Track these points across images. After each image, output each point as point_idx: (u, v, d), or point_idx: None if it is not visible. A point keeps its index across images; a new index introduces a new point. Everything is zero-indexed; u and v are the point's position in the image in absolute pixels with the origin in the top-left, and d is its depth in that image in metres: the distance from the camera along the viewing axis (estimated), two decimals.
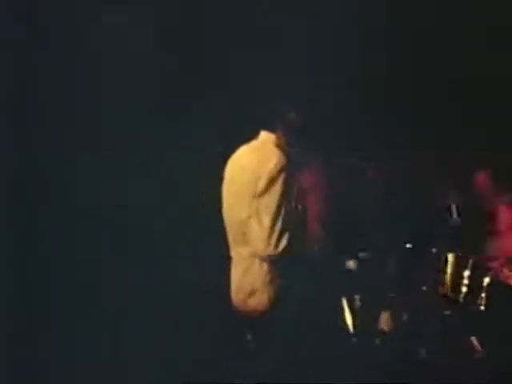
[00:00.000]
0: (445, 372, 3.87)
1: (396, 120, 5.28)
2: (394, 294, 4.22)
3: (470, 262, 4.20)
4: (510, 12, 4.89)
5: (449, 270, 4.27)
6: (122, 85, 4.72)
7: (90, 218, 4.73)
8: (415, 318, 4.16)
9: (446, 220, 4.72)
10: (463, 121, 5.24)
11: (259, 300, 3.42)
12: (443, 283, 4.26)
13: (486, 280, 4.14)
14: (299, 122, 3.51)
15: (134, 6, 4.73)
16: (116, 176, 4.73)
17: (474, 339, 4.03)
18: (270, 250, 3.31)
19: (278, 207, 3.32)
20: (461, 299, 4.17)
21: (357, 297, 4.08)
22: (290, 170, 3.39)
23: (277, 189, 3.32)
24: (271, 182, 3.32)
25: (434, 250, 4.35)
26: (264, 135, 3.56)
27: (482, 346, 3.99)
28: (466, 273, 4.19)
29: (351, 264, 4.25)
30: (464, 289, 4.18)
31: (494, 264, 4.34)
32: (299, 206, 3.54)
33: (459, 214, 4.61)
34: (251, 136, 3.70)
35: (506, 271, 4.39)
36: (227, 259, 3.67)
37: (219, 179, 3.71)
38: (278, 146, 3.49)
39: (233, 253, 3.59)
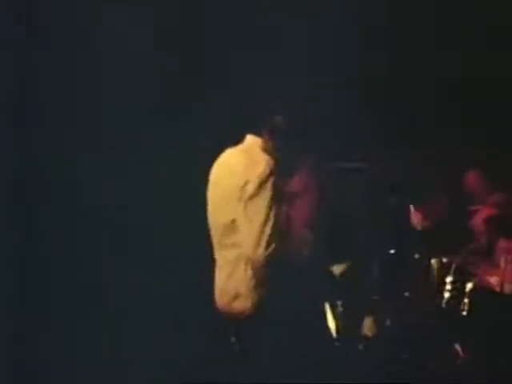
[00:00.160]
0: (427, 377, 3.89)
1: (377, 122, 5.30)
2: (378, 299, 4.24)
3: (453, 267, 4.23)
4: (510, 12, 4.89)
5: (431, 275, 4.30)
6: (121, 85, 4.72)
7: (90, 218, 4.74)
8: (398, 323, 4.18)
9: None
10: (451, 121, 5.25)
11: (243, 304, 3.43)
12: (426, 289, 4.29)
13: (469, 286, 4.16)
14: (286, 126, 3.52)
15: (134, 6, 4.73)
16: (116, 176, 4.73)
17: (456, 345, 4.05)
18: (260, 253, 3.32)
19: (268, 211, 3.33)
20: (443, 305, 4.19)
21: (339, 302, 4.10)
22: (278, 173, 3.40)
23: (267, 192, 3.33)
24: (260, 185, 3.32)
25: (416, 255, 4.37)
26: (250, 139, 3.57)
27: (464, 352, 4.01)
28: (449, 278, 4.21)
29: (336, 269, 4.28)
30: (447, 294, 4.20)
31: (477, 269, 4.37)
32: (286, 210, 3.56)
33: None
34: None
35: (488, 276, 4.43)
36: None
37: None
38: (265, 149, 3.50)
39: (217, 255, 3.59)
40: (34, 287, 4.53)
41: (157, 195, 4.70)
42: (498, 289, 4.26)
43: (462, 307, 4.13)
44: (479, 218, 4.78)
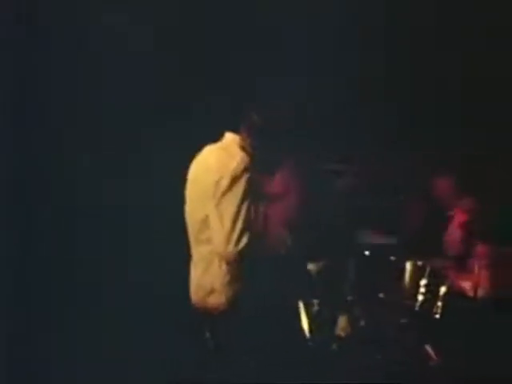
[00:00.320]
0: (399, 379, 3.92)
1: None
2: (352, 299, 4.27)
3: (427, 270, 4.26)
4: (510, 12, 4.89)
5: (406, 278, 4.32)
6: (122, 85, 4.72)
7: (90, 217, 4.74)
8: (372, 324, 4.21)
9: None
10: (426, 123, 5.27)
11: (218, 299, 3.45)
12: (400, 291, 4.31)
13: (443, 289, 4.19)
14: (263, 124, 3.53)
15: (134, 6, 4.73)
16: (116, 176, 4.73)
17: (428, 347, 4.09)
18: (230, 249, 3.32)
19: (240, 206, 3.34)
20: (417, 307, 4.22)
21: (315, 301, 4.12)
22: (253, 171, 3.41)
23: (239, 189, 3.34)
24: (233, 181, 3.34)
25: (392, 257, 4.40)
26: (229, 136, 3.59)
27: (436, 355, 4.05)
28: (423, 281, 4.24)
29: (311, 268, 4.30)
30: (420, 297, 4.23)
31: (451, 273, 4.39)
32: (263, 209, 3.58)
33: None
34: None
35: (461, 281, 4.46)
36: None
37: None
38: (242, 147, 3.51)
39: (193, 251, 3.61)
40: (34, 287, 4.53)
41: (157, 195, 4.70)
42: (471, 293, 4.29)
43: (435, 310, 4.18)
44: (455, 222, 4.80)
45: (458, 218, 4.76)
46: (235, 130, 3.59)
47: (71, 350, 4.36)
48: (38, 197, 4.60)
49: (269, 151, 3.60)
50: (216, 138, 3.64)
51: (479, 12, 5.00)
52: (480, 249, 4.50)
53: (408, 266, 4.33)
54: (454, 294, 4.25)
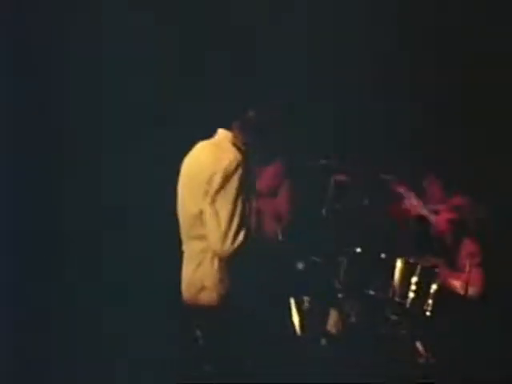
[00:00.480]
0: (389, 375, 3.94)
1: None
2: (343, 296, 4.29)
3: (418, 268, 4.27)
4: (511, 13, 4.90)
5: (397, 275, 4.33)
6: (121, 85, 4.72)
7: (90, 217, 4.74)
8: (363, 321, 4.23)
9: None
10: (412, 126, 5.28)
11: (209, 296, 3.45)
12: (391, 288, 4.32)
13: (434, 287, 4.23)
14: (257, 121, 3.54)
15: (134, 6, 4.74)
16: (116, 177, 4.73)
17: (419, 344, 4.10)
18: (227, 247, 3.34)
19: (235, 204, 3.35)
20: (408, 305, 4.23)
21: (306, 298, 4.13)
22: (246, 167, 3.42)
23: (233, 186, 3.35)
24: (226, 178, 3.34)
25: (383, 255, 4.41)
26: (221, 133, 3.60)
27: (426, 351, 4.07)
28: (414, 279, 4.27)
29: (302, 266, 4.31)
30: (411, 295, 4.26)
31: (442, 271, 4.41)
32: (256, 205, 3.58)
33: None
34: None
35: (452, 279, 4.47)
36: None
37: None
38: (234, 143, 3.52)
39: (184, 247, 3.61)
40: (34, 287, 4.53)
41: (156, 195, 4.70)
42: (461, 291, 4.30)
43: (425, 308, 4.21)
44: (443, 220, 4.82)
45: (448, 214, 4.78)
46: (228, 127, 3.61)
47: (71, 349, 4.36)
48: (38, 197, 4.60)
49: (261, 147, 3.61)
50: (209, 134, 3.66)
51: (479, 12, 5.01)
52: (470, 247, 4.52)
53: (399, 263, 4.35)
54: (445, 291, 4.28)
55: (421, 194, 4.94)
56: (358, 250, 4.45)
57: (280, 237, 4.45)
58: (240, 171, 3.36)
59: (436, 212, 4.86)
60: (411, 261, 4.33)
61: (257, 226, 3.70)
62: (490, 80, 5.02)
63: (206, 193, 3.38)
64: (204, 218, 3.40)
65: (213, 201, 3.36)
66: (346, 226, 4.74)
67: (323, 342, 4.10)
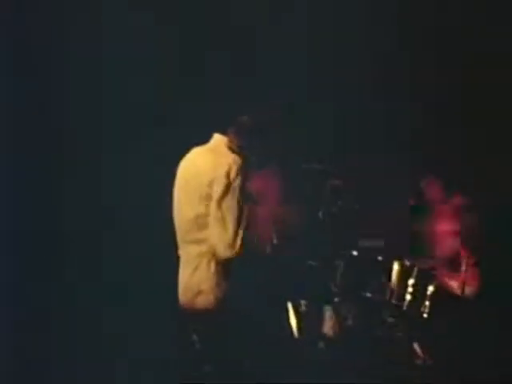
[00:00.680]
0: (387, 377, 3.94)
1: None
2: (340, 299, 4.30)
3: (415, 270, 4.28)
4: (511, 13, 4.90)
5: (394, 277, 4.34)
6: (121, 85, 4.72)
7: (90, 217, 4.74)
8: (359, 323, 4.24)
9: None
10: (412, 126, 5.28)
11: (206, 300, 3.46)
12: (388, 291, 4.32)
13: (431, 288, 4.24)
14: (252, 125, 3.55)
15: (134, 6, 4.74)
16: (116, 176, 4.73)
17: (416, 346, 4.11)
18: (234, 251, 3.36)
19: (239, 209, 3.37)
20: (405, 307, 4.24)
21: (302, 302, 4.14)
22: (246, 171, 3.43)
23: (235, 191, 3.37)
24: (229, 184, 3.36)
25: (379, 257, 4.41)
26: (217, 137, 3.60)
27: (424, 353, 4.08)
28: (411, 281, 4.29)
29: (299, 269, 4.33)
30: (408, 297, 4.27)
31: (439, 272, 4.41)
32: (251, 209, 3.60)
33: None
34: None
35: (449, 280, 4.48)
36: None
37: None
38: (230, 148, 3.52)
39: (181, 252, 3.62)
40: (34, 287, 4.53)
41: (157, 195, 4.70)
42: (458, 292, 4.31)
43: (422, 309, 4.22)
44: (442, 222, 4.83)
45: (447, 216, 4.79)
46: (223, 132, 3.61)
47: (71, 349, 4.36)
48: (38, 197, 4.60)
49: (256, 151, 3.62)
50: (209, 135, 3.66)
51: (479, 12, 5.01)
52: (467, 249, 4.52)
53: (396, 266, 4.36)
54: (442, 293, 4.28)
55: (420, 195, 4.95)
56: (355, 252, 4.46)
57: (275, 240, 4.45)
58: (241, 176, 3.38)
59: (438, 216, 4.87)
60: (408, 263, 4.33)
61: (253, 231, 3.70)
62: (490, 80, 5.01)
63: (207, 197, 3.38)
64: (202, 222, 3.41)
65: (218, 206, 3.36)
66: (342, 229, 4.74)
67: (321, 344, 4.11)
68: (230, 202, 3.36)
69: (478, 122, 5.14)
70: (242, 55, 5.02)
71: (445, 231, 4.77)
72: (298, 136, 5.07)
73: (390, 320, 4.26)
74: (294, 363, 3.84)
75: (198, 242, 3.45)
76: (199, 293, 3.47)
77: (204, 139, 3.68)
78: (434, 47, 5.19)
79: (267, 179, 4.95)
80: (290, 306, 4.14)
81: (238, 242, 3.35)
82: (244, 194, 3.40)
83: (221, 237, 3.36)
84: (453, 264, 4.62)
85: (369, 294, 4.35)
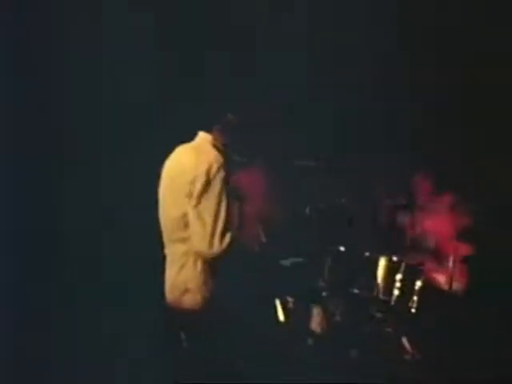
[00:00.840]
0: (375, 372, 3.95)
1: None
2: (327, 295, 4.31)
3: (403, 265, 4.29)
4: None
5: (381, 273, 4.34)
6: (121, 85, 4.72)
7: (90, 217, 4.74)
8: (347, 319, 4.25)
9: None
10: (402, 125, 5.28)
11: (193, 299, 3.46)
12: (375, 286, 4.33)
13: (418, 283, 4.26)
14: (237, 123, 3.55)
15: (134, 6, 4.73)
16: (116, 176, 4.73)
17: (404, 341, 4.13)
18: (214, 250, 3.36)
19: (219, 206, 3.37)
20: (392, 302, 4.25)
21: (290, 299, 4.15)
22: (228, 169, 3.43)
23: (216, 188, 3.38)
24: (209, 181, 3.37)
25: (367, 253, 4.42)
26: (202, 135, 3.61)
27: (412, 348, 4.09)
28: (398, 276, 4.30)
29: (286, 265, 4.33)
30: (396, 292, 4.28)
31: (426, 268, 4.43)
32: (237, 205, 3.61)
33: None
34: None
35: (436, 275, 4.49)
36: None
37: None
38: (215, 145, 3.53)
39: (167, 251, 3.63)
40: (34, 287, 4.53)
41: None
42: (446, 287, 4.33)
43: (410, 304, 4.23)
44: (431, 220, 4.84)
45: (437, 212, 4.80)
46: (209, 130, 3.61)
47: (71, 349, 4.36)
48: (38, 197, 4.60)
49: (242, 149, 3.62)
50: (190, 137, 3.67)
51: (479, 12, 5.01)
52: (454, 243, 4.53)
53: (383, 261, 4.37)
54: (430, 288, 4.31)
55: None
56: (342, 248, 4.47)
57: (263, 239, 4.46)
58: (222, 173, 3.39)
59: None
60: (395, 258, 4.35)
61: (239, 228, 3.71)
62: (490, 80, 5.02)
63: (189, 195, 3.39)
64: (187, 222, 3.41)
65: (197, 203, 3.37)
66: (329, 224, 4.76)
67: (309, 341, 4.11)
68: (210, 200, 3.37)
69: (478, 121, 5.15)
70: (241, 55, 5.03)
71: (434, 227, 4.79)
72: (289, 133, 5.08)
73: (378, 315, 4.28)
74: (282, 360, 3.85)
75: (184, 240, 3.46)
76: (186, 291, 3.48)
77: (182, 139, 3.70)
78: (434, 47, 5.19)
79: (254, 176, 4.96)
80: (277, 303, 4.15)
81: (217, 239, 3.35)
82: (226, 191, 3.41)
83: (199, 235, 3.37)
84: (441, 259, 4.64)
85: (356, 290, 4.37)
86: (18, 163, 4.51)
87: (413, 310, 4.23)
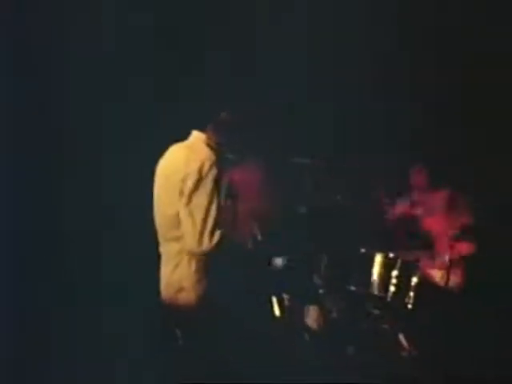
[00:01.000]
0: (372, 369, 3.95)
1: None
2: (324, 292, 4.31)
3: (399, 262, 4.30)
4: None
5: (377, 269, 4.35)
6: (121, 85, 4.72)
7: (90, 217, 4.74)
8: (344, 316, 4.26)
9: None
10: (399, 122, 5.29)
11: (188, 297, 3.48)
12: (372, 283, 4.33)
13: (414, 280, 4.26)
14: (231, 121, 3.56)
15: (134, 6, 4.74)
16: (116, 176, 4.73)
17: (401, 337, 4.13)
18: (204, 247, 3.36)
19: (209, 204, 3.38)
20: (389, 298, 4.25)
21: (286, 296, 4.15)
22: (221, 167, 3.45)
23: (207, 186, 3.38)
24: (200, 179, 3.38)
25: (362, 250, 4.42)
26: (195, 134, 3.62)
27: (409, 344, 4.10)
28: (395, 272, 4.31)
29: (282, 262, 4.32)
30: (392, 288, 4.29)
31: (422, 264, 4.43)
32: (231, 203, 3.62)
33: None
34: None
35: (432, 271, 4.49)
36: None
37: None
38: (208, 144, 3.54)
39: (162, 249, 3.64)
40: (34, 287, 4.53)
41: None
42: (442, 283, 4.33)
43: (407, 301, 4.23)
44: (428, 216, 4.85)
45: (434, 209, 4.81)
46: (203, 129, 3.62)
47: (71, 349, 4.36)
48: (38, 197, 4.59)
49: (235, 148, 3.63)
50: (186, 136, 3.68)
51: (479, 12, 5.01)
52: (450, 240, 4.54)
53: (379, 257, 4.37)
54: (426, 284, 4.32)
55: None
56: (338, 245, 4.48)
57: (259, 237, 4.46)
58: (214, 171, 3.39)
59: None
60: (391, 255, 4.35)
61: (234, 226, 3.72)
62: (490, 80, 5.02)
63: (181, 194, 3.39)
64: (179, 220, 3.42)
65: (188, 201, 3.38)
66: (325, 222, 4.76)
67: (306, 338, 4.12)
68: (200, 198, 3.37)
69: (478, 121, 5.15)
70: (241, 55, 5.03)
71: (431, 224, 4.80)
72: (289, 133, 5.08)
73: (375, 312, 4.29)
74: (279, 358, 3.85)
75: (177, 239, 3.48)
76: (181, 290, 3.49)
77: (178, 138, 3.71)
78: (434, 47, 5.19)
79: (251, 175, 4.96)
80: (274, 300, 4.15)
81: (206, 237, 3.35)
82: (219, 189, 3.41)
83: (189, 232, 3.37)
84: (437, 256, 4.65)
85: (353, 287, 4.37)
86: (18, 163, 4.51)
87: (409, 307, 4.25)
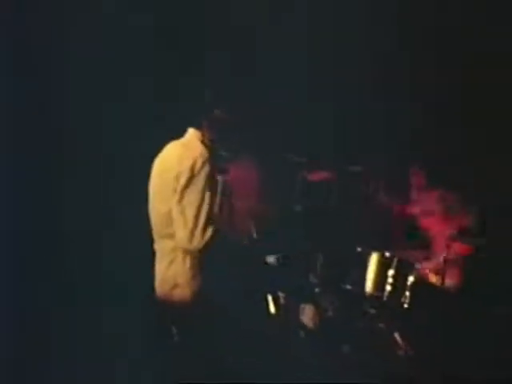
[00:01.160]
0: (368, 367, 3.95)
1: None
2: (320, 291, 4.31)
3: (395, 261, 4.29)
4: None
5: (373, 268, 4.34)
6: (121, 85, 4.72)
7: (90, 217, 4.74)
8: (340, 315, 4.25)
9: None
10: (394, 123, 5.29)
11: (183, 293, 3.48)
12: (368, 282, 4.33)
13: (411, 279, 4.27)
14: (225, 119, 3.57)
15: (134, 6, 4.73)
16: (116, 175, 4.73)
17: (397, 337, 4.13)
18: (195, 244, 3.37)
19: (201, 201, 3.39)
20: (385, 297, 4.25)
21: (281, 294, 4.15)
22: (215, 164, 3.46)
23: (199, 184, 3.39)
24: (193, 176, 3.39)
25: (359, 249, 4.42)
26: (191, 132, 3.64)
27: (405, 344, 4.10)
28: (391, 272, 4.30)
29: (275, 260, 4.32)
30: (388, 287, 4.28)
31: (418, 264, 4.44)
32: (226, 200, 3.62)
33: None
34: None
35: (428, 271, 4.51)
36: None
37: None
38: (203, 141, 3.55)
39: (156, 246, 3.64)
40: (34, 287, 4.53)
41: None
42: (438, 283, 4.33)
43: (403, 300, 4.23)
44: (425, 216, 4.86)
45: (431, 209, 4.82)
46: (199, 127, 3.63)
47: (71, 349, 4.36)
48: (38, 197, 4.59)
49: (230, 145, 3.64)
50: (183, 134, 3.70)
51: (479, 12, 5.01)
52: (446, 240, 4.54)
53: (375, 256, 4.37)
54: (422, 283, 4.31)
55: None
56: (334, 244, 4.48)
57: (255, 235, 4.46)
58: (207, 168, 3.41)
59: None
60: (387, 254, 4.35)
61: (231, 222, 3.73)
62: (490, 80, 5.02)
63: (174, 191, 3.41)
64: (172, 216, 3.43)
65: (180, 198, 3.39)
66: (321, 220, 4.76)
67: (301, 337, 4.12)
68: (192, 195, 3.39)
69: (478, 121, 5.15)
70: (241, 55, 5.03)
71: (428, 223, 4.81)
72: (285, 132, 5.08)
73: (371, 311, 4.29)
74: (274, 356, 3.85)
75: (171, 236, 3.49)
76: (175, 286, 3.50)
77: (175, 136, 3.72)
78: (434, 47, 5.19)
79: (248, 173, 4.95)
80: (269, 298, 4.15)
81: (198, 234, 3.36)
82: (213, 186, 3.41)
83: (181, 229, 3.38)
84: (433, 256, 4.65)
85: (349, 286, 4.37)
86: (18, 163, 4.51)
87: (405, 306, 4.24)
